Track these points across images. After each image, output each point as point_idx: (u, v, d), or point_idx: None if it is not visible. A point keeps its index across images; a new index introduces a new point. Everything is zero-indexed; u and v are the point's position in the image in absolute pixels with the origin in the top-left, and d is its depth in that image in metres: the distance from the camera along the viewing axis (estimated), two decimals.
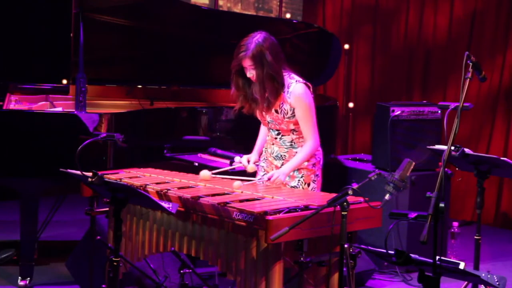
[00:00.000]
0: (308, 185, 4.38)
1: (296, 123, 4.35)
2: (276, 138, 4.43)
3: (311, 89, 4.37)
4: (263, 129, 4.61)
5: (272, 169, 4.42)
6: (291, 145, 4.40)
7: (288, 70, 4.36)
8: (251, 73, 4.26)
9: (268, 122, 4.42)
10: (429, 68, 8.25)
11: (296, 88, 4.29)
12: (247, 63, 4.24)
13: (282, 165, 4.39)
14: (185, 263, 4.48)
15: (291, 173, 4.35)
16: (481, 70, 3.71)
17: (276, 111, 4.35)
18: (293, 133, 4.38)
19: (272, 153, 4.45)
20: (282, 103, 4.32)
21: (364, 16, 8.60)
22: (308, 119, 4.32)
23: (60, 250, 6.18)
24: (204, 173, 4.33)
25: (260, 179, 4.36)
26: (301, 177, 4.37)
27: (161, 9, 6.38)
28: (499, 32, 7.73)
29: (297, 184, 4.37)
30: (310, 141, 4.33)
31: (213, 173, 4.36)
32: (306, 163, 4.36)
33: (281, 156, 4.42)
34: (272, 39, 4.29)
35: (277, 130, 4.42)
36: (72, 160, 3.91)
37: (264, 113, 4.40)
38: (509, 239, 7.31)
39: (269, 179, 4.26)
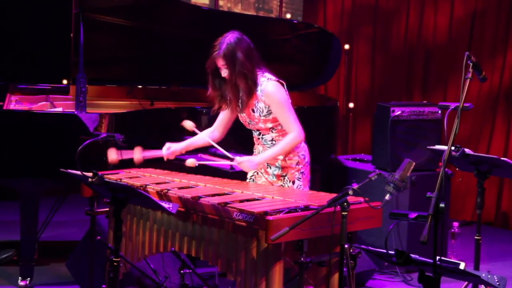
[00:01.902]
0: (293, 183, 4.40)
1: (273, 121, 4.36)
2: (259, 138, 4.46)
3: (285, 86, 4.38)
4: (205, 132, 4.62)
5: (261, 169, 4.44)
6: (272, 143, 4.41)
7: (263, 69, 4.39)
8: (225, 72, 4.30)
9: (248, 122, 4.45)
10: (429, 68, 8.25)
11: (267, 86, 4.31)
12: (220, 62, 4.28)
13: (267, 164, 4.41)
14: (185, 263, 4.48)
15: (277, 172, 4.37)
16: (481, 70, 3.71)
17: (253, 110, 4.37)
18: (272, 132, 4.40)
19: (259, 153, 4.47)
20: (257, 102, 4.35)
21: (364, 16, 8.61)
22: (285, 113, 4.32)
23: (60, 250, 6.18)
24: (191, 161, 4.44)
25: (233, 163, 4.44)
26: (286, 175, 4.39)
27: (161, 9, 6.38)
28: (499, 32, 7.73)
29: (283, 183, 4.39)
30: (291, 133, 4.33)
31: (199, 163, 4.47)
32: (289, 162, 4.38)
33: None
34: (244, 39, 4.33)
35: (257, 130, 4.45)
36: (72, 160, 3.90)
37: (242, 113, 4.42)
38: (509, 239, 7.31)
39: (239, 163, 4.32)
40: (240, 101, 4.35)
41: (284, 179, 4.39)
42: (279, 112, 4.32)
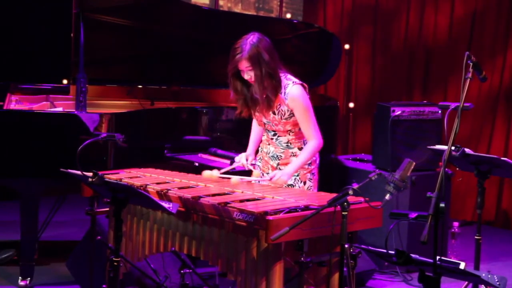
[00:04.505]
0: (304, 183, 4.40)
1: (293, 124, 4.35)
2: (272, 139, 4.44)
3: (307, 90, 4.38)
4: (255, 127, 4.60)
5: (268, 169, 4.43)
6: (287, 145, 4.40)
7: (284, 70, 4.35)
8: (248, 75, 4.24)
9: (265, 123, 4.42)
10: (430, 68, 8.26)
11: (293, 90, 4.29)
12: (244, 64, 4.21)
13: (277, 165, 4.41)
14: (186, 263, 4.48)
15: None
16: (481, 70, 3.71)
17: (274, 113, 4.35)
18: (289, 134, 4.39)
19: (268, 153, 4.46)
20: (279, 104, 4.32)
21: (364, 16, 8.61)
22: (308, 119, 4.32)
23: (61, 250, 6.18)
24: (209, 173, 4.30)
25: (263, 179, 4.35)
26: (297, 175, 4.38)
27: (161, 9, 6.38)
28: (500, 32, 7.74)
29: (293, 183, 4.38)
30: (313, 141, 4.33)
31: (221, 173, 4.32)
32: None
33: (277, 156, 4.43)
34: (266, 39, 4.28)
35: (273, 131, 4.42)
36: (73, 160, 3.91)
37: (259, 113, 4.39)
38: (509, 239, 7.31)
39: (271, 178, 4.25)
40: (266, 101, 4.29)
41: (295, 179, 4.38)
42: (302, 117, 4.30)
